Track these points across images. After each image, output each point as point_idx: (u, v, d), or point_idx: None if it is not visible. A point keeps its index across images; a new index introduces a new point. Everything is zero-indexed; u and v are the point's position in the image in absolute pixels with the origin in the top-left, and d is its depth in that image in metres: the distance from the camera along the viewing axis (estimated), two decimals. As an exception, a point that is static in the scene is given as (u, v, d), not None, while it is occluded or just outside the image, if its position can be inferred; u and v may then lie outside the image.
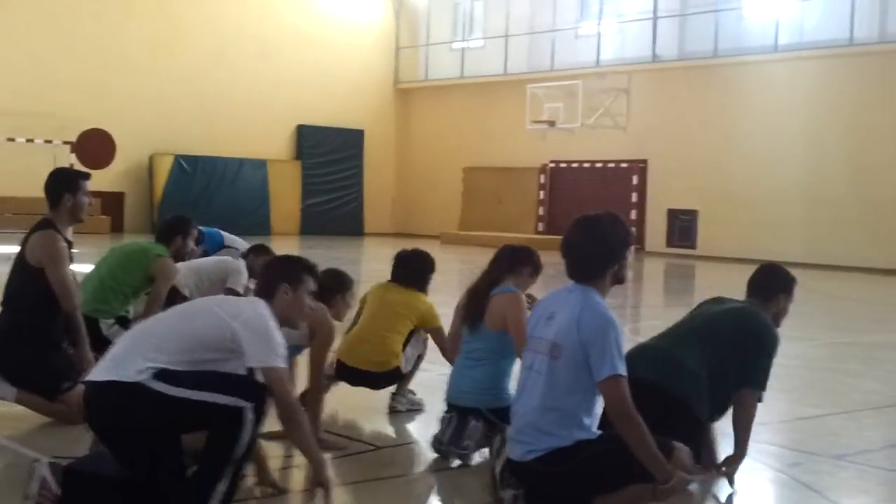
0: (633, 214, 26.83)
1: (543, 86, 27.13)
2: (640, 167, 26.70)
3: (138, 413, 3.74)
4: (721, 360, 4.71)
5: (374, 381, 6.12)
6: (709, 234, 24.96)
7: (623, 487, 3.87)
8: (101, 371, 3.88)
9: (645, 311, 14.33)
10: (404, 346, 6.08)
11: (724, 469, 4.83)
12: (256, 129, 28.97)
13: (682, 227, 25.75)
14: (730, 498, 4.74)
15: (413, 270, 6.27)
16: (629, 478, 3.84)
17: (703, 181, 25.03)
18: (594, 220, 4.14)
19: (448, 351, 5.78)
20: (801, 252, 22.15)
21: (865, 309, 14.51)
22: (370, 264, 17.66)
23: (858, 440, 5.95)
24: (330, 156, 30.88)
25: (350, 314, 6.04)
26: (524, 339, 4.29)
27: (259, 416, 3.83)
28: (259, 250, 7.70)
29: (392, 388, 6.27)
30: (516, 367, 4.81)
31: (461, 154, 30.89)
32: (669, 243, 26.02)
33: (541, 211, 29.24)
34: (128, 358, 3.83)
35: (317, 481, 4.15)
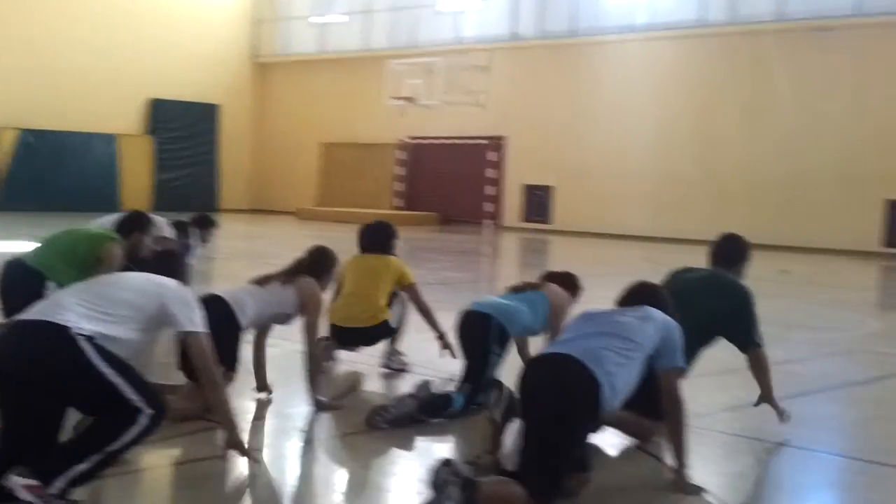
0: (491, 190, 27.16)
1: (404, 62, 27.05)
2: (497, 143, 27.00)
3: (57, 361, 3.72)
4: (696, 320, 4.93)
5: (367, 337, 6.72)
6: (563, 209, 25.46)
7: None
8: (35, 312, 3.89)
9: (500, 284, 14.48)
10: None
11: (761, 401, 5.46)
12: (106, 102, 27.94)
13: (538, 202, 26.19)
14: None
15: (381, 238, 6.92)
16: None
17: (558, 157, 25.50)
18: None
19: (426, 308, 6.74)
20: (651, 226, 22.85)
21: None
22: (226, 241, 17.13)
23: (696, 404, 6.10)
24: (184, 130, 30.09)
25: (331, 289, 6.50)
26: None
27: (150, 427, 3.82)
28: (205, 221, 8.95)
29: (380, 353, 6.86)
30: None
31: (320, 130, 30.61)
32: (526, 218, 26.44)
33: (399, 187, 29.27)
34: (67, 308, 3.86)
35: (230, 444, 4.38)
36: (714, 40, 23.25)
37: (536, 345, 5.82)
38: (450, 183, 27.65)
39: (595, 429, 4.26)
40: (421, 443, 5.14)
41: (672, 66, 23.98)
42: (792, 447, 5.34)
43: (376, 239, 6.91)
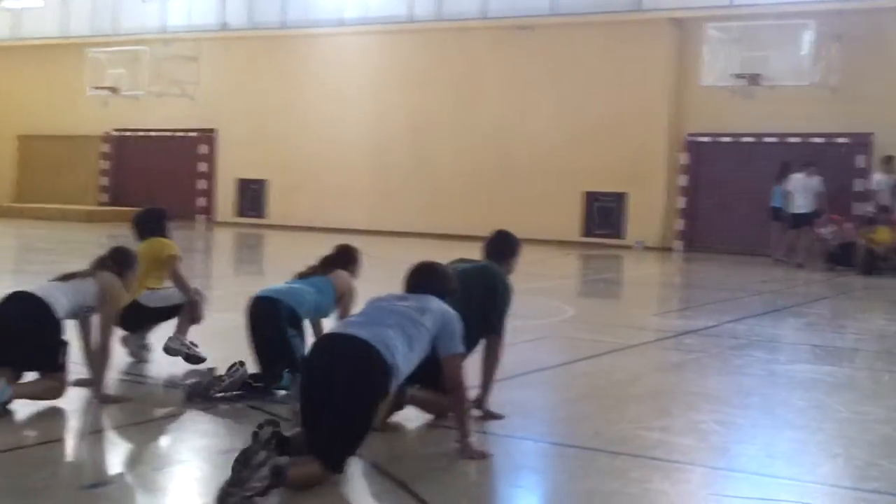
0: (203, 184, 26.39)
1: (106, 51, 25.82)
2: (208, 136, 26.26)
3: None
4: (468, 306, 5.36)
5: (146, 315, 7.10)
6: (278, 203, 25.13)
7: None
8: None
9: (215, 281, 14.04)
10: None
11: (475, 406, 5.64)
12: None
13: (252, 196, 25.70)
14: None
15: (153, 224, 7.38)
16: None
17: (272, 151, 25.13)
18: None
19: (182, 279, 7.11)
20: (368, 220, 22.99)
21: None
22: None
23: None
24: None
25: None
26: None
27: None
28: None
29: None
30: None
31: (16, 121, 28.62)
32: (240, 213, 25.88)
33: (105, 181, 27.86)
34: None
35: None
36: (423, 35, 23.69)
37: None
38: (160, 177, 26.57)
39: (380, 400, 4.58)
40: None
41: (384, 60, 24.21)
42: (491, 434, 5.42)
43: (146, 223, 7.38)
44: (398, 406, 5.39)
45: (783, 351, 9.18)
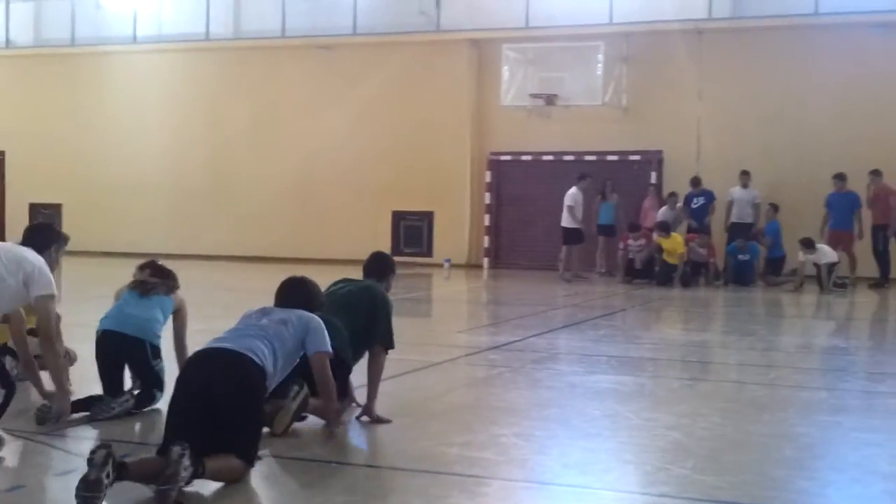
0: (-9, 210, 25.01)
1: None
2: (-5, 159, 24.94)
3: None
4: (357, 321, 6.30)
5: None
6: (73, 227, 23.98)
7: None
8: None
9: None
10: None
11: (364, 413, 6.30)
12: None
13: (45, 220, 24.46)
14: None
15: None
16: None
17: (65, 174, 24.06)
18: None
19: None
20: (168, 243, 22.29)
21: (236, 295, 14.88)
22: None
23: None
24: None
25: None
26: None
27: None
28: None
29: None
30: None
31: None
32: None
33: None
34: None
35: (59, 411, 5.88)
36: (221, 54, 23.28)
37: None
38: (-58, 203, 24.97)
39: (262, 396, 5.12)
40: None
41: (181, 79, 23.63)
42: (289, 458, 5.28)
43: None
44: (299, 416, 5.87)
45: (581, 363, 9.44)
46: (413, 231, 22.15)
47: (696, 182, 19.09)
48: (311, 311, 5.61)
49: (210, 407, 4.83)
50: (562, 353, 9.85)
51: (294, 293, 5.72)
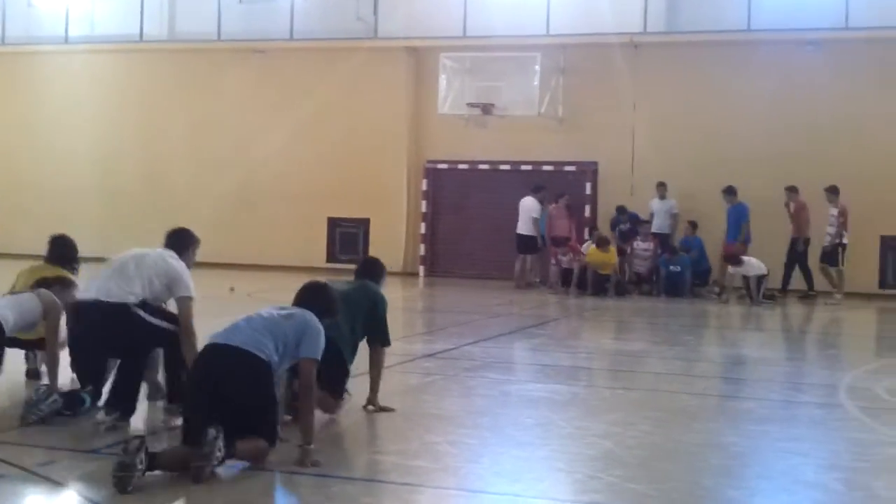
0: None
1: None
2: (-80, 159, 24.27)
3: None
4: (356, 320, 6.69)
5: None
6: (2, 230, 23.52)
7: None
8: None
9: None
10: None
11: (369, 403, 6.95)
12: None
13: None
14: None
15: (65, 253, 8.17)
16: None
17: (-8, 174, 23.57)
18: None
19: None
20: (98, 246, 21.83)
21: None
22: None
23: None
24: None
25: None
26: None
27: None
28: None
29: None
30: None
31: None
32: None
33: None
34: None
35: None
36: (155, 56, 22.97)
37: None
38: None
39: (272, 383, 5.46)
40: None
41: (114, 80, 23.25)
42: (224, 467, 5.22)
43: (57, 251, 8.21)
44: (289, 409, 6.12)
45: (515, 371, 9.50)
46: (349, 238, 22.05)
47: (621, 210, 19.31)
48: (325, 317, 5.83)
49: (224, 403, 5.28)
50: (496, 362, 9.89)
51: (313, 297, 5.94)
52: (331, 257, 21.95)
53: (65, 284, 7.33)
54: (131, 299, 6.34)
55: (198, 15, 22.65)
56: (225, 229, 21.72)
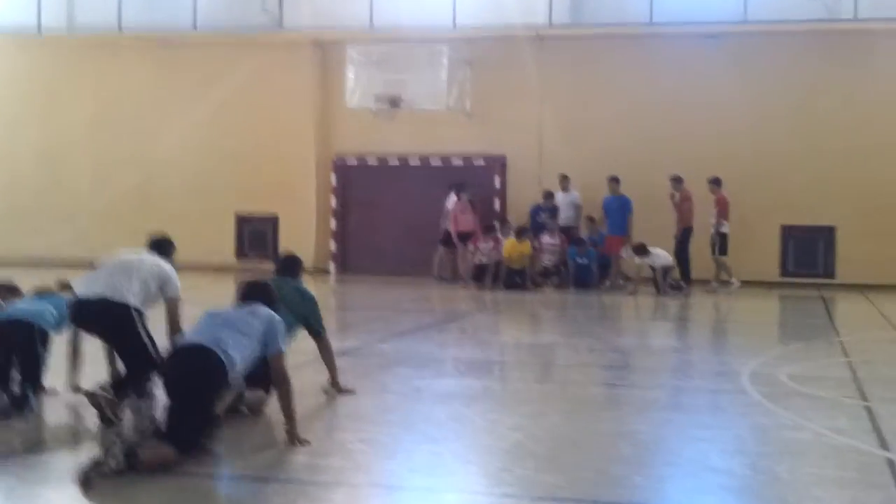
0: None
1: None
2: None
3: None
4: (289, 315, 6.94)
5: None
6: None
7: None
8: None
9: None
10: None
11: (332, 387, 7.66)
12: None
13: None
14: None
15: None
16: None
17: None
18: None
19: None
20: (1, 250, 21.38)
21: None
22: None
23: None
24: None
25: None
26: None
27: None
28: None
29: None
30: None
31: None
32: None
33: None
34: None
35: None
36: (54, 48, 22.24)
37: None
38: None
39: (219, 391, 5.67)
40: None
41: (12, 72, 22.52)
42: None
43: None
44: (234, 408, 6.32)
45: (428, 367, 9.49)
46: (257, 235, 21.79)
47: (549, 195, 19.36)
48: (270, 307, 6.29)
49: (178, 396, 5.61)
50: (408, 358, 9.89)
51: (257, 292, 6.47)
52: (239, 254, 21.69)
53: None
54: (132, 299, 6.89)
55: (97, 5, 22.06)
56: (129, 226, 21.24)
